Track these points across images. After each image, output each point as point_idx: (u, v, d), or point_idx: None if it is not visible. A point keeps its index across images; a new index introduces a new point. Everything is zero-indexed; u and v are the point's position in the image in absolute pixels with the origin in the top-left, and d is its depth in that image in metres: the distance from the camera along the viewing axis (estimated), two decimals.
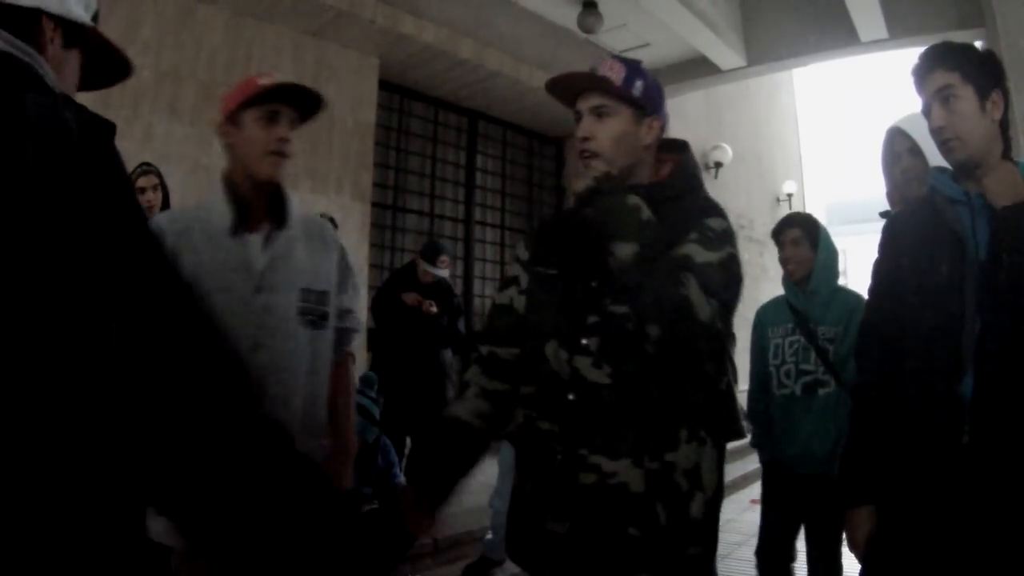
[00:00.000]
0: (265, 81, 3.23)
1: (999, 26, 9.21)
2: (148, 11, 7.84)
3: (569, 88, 2.82)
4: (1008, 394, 2.65)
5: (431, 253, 8.33)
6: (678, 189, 2.72)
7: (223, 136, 3.27)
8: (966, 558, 2.70)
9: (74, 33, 1.63)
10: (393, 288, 8.34)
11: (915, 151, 3.64)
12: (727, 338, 2.54)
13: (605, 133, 2.71)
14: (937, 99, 2.86)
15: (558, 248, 2.67)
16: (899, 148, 3.74)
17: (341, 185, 9.47)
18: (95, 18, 1.72)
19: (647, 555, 2.53)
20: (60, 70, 1.57)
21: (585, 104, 2.76)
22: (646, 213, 2.50)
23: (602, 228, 2.52)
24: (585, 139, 2.73)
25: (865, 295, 3.32)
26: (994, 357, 2.69)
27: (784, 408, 4.53)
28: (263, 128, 3.22)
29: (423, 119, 11.80)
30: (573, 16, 10.80)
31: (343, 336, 3.45)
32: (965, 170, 2.88)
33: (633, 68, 2.78)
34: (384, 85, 10.49)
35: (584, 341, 2.63)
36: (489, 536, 6.52)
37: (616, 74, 2.73)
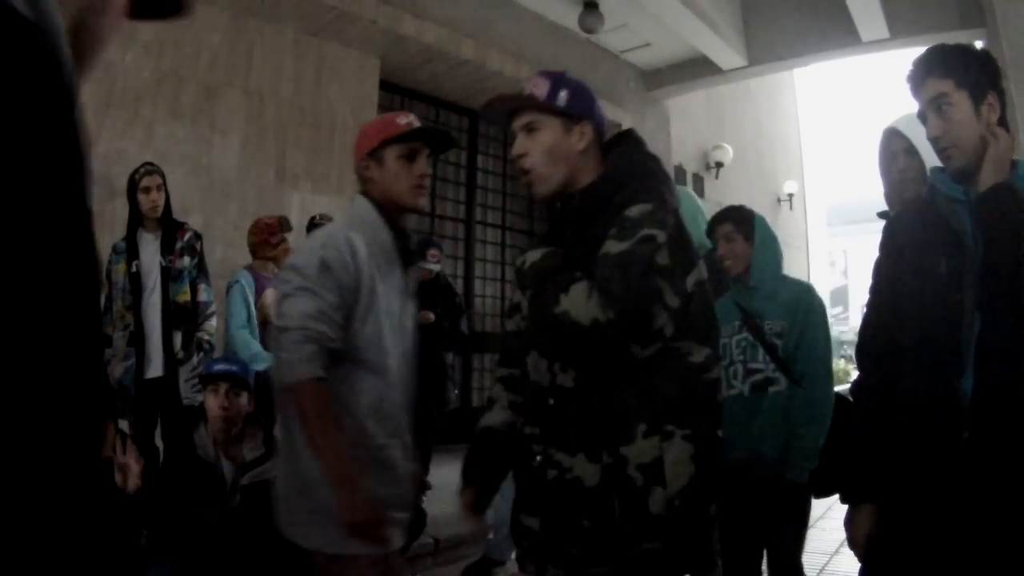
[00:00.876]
0: (403, 121, 3.48)
1: (1000, 25, 9.23)
2: None
3: (501, 110, 2.96)
4: (1009, 392, 2.66)
5: (419, 249, 8.31)
6: (608, 189, 2.79)
7: (363, 171, 3.51)
8: (966, 556, 2.70)
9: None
10: None
11: (911, 151, 3.64)
12: (648, 319, 2.56)
13: (536, 148, 2.84)
14: (932, 108, 2.87)
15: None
16: (895, 148, 3.73)
17: (342, 185, 9.46)
18: None
19: (601, 548, 2.61)
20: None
21: (518, 123, 2.89)
22: (534, 260, 2.75)
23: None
24: (519, 156, 2.87)
25: (816, 287, 3.34)
26: (994, 355, 2.70)
27: (731, 410, 4.10)
28: (404, 165, 3.48)
29: (424, 119, 11.64)
30: (574, 16, 10.83)
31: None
32: (964, 176, 2.89)
33: (557, 80, 2.89)
34: (385, 85, 10.49)
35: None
36: (491, 536, 6.53)
37: (540, 89, 2.85)
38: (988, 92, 2.85)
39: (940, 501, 2.77)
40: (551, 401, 2.76)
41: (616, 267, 2.54)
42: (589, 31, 11.00)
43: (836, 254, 55.91)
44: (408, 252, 3.58)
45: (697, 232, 4.37)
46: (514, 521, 2.93)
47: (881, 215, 3.85)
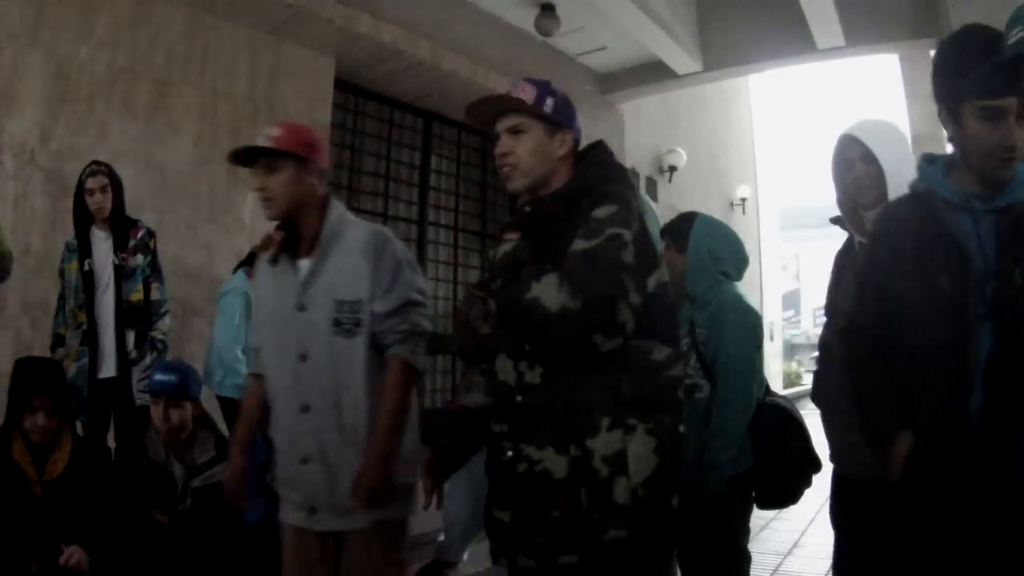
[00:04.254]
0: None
1: None
2: (104, 6, 7.74)
3: (486, 112, 3.13)
4: (1019, 410, 2.68)
5: None
6: (575, 192, 2.94)
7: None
8: (974, 570, 2.75)
9: None
10: None
11: (868, 158, 3.61)
12: (612, 311, 2.66)
13: (522, 148, 3.02)
14: (1016, 114, 2.71)
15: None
16: (851, 155, 3.68)
17: None
18: None
19: (569, 537, 2.74)
20: None
21: (502, 125, 3.07)
22: (506, 250, 2.89)
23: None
24: (504, 155, 3.06)
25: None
26: (1006, 374, 2.70)
27: None
28: None
29: (378, 119, 11.75)
30: (531, 19, 10.83)
31: (379, 340, 3.53)
32: (993, 183, 2.85)
33: (543, 88, 3.07)
34: (340, 84, 10.42)
35: (526, 347, 2.88)
36: (441, 538, 6.51)
37: (528, 95, 3.03)
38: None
39: (950, 517, 2.80)
40: (519, 399, 2.89)
41: (583, 260, 2.68)
42: (545, 34, 11.01)
43: (788, 258, 56.19)
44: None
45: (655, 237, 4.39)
46: (487, 515, 3.05)
47: (834, 220, 3.88)
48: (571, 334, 2.67)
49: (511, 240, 2.92)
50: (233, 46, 8.82)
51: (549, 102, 3.03)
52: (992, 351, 2.73)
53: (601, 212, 2.78)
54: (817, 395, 3.90)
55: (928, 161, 3.08)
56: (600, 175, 3.01)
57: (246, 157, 3.65)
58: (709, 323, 4.33)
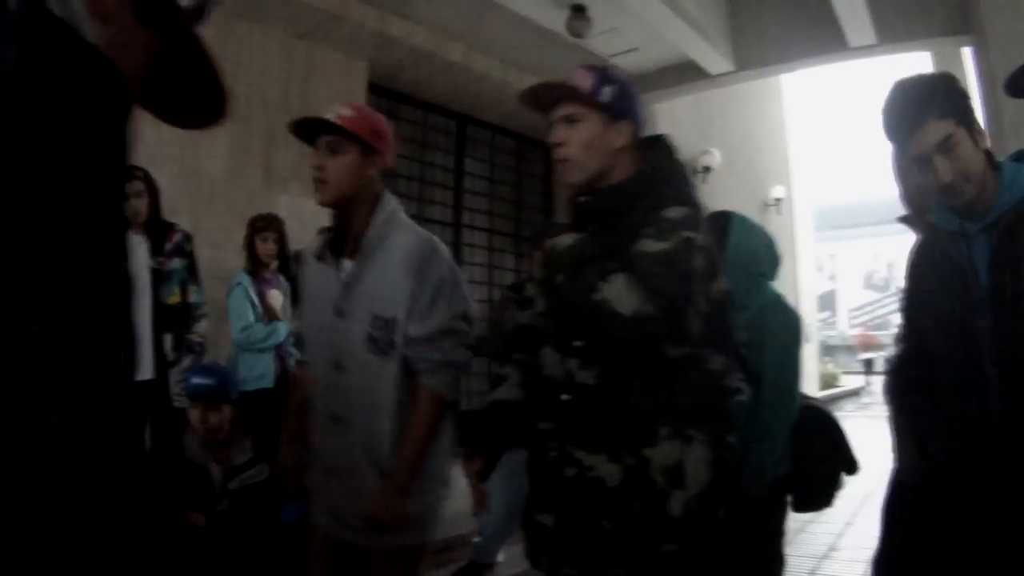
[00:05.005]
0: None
1: (988, 35, 9.25)
2: None
3: (543, 99, 3.01)
4: None
5: None
6: (641, 187, 2.88)
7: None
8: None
9: (154, 8, 1.42)
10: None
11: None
12: (684, 319, 2.61)
13: (576, 139, 2.90)
14: (940, 151, 2.86)
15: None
16: (906, 164, 3.68)
17: None
18: (199, 13, 1.53)
19: (620, 549, 2.66)
20: (119, 42, 1.35)
21: (557, 113, 2.95)
22: (571, 244, 2.78)
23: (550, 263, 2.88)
24: (558, 146, 2.94)
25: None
26: (1016, 380, 2.74)
27: None
28: None
29: (411, 122, 11.77)
30: (562, 20, 10.81)
31: (411, 365, 3.39)
32: (970, 206, 2.91)
33: (602, 75, 2.97)
34: (373, 88, 10.47)
35: (576, 343, 2.79)
36: (478, 539, 6.52)
37: (585, 82, 2.93)
38: (975, 121, 2.88)
39: (975, 522, 2.83)
40: (565, 396, 2.81)
41: (659, 264, 2.60)
42: (577, 35, 10.99)
43: (823, 258, 55.92)
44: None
45: None
46: (527, 518, 3.00)
47: (901, 219, 3.85)
48: (643, 340, 2.65)
49: (569, 234, 2.82)
50: (266, 51, 8.86)
51: (607, 91, 2.93)
52: (998, 359, 2.76)
53: (673, 213, 2.72)
54: (887, 392, 3.92)
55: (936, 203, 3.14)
56: (666, 173, 2.96)
57: (308, 132, 3.46)
58: (750, 325, 4.17)
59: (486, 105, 12.10)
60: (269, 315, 6.77)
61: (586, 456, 2.73)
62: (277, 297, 6.87)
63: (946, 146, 2.85)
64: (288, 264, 7.21)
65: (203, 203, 8.11)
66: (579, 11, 10.67)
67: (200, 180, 8.16)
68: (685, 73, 12.98)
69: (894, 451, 3.86)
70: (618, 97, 2.94)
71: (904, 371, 3.27)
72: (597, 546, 2.71)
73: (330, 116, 3.38)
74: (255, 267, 6.96)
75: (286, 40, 9.11)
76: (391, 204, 3.50)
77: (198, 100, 1.60)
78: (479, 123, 12.82)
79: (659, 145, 3.06)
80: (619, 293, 2.56)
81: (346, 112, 3.42)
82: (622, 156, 2.95)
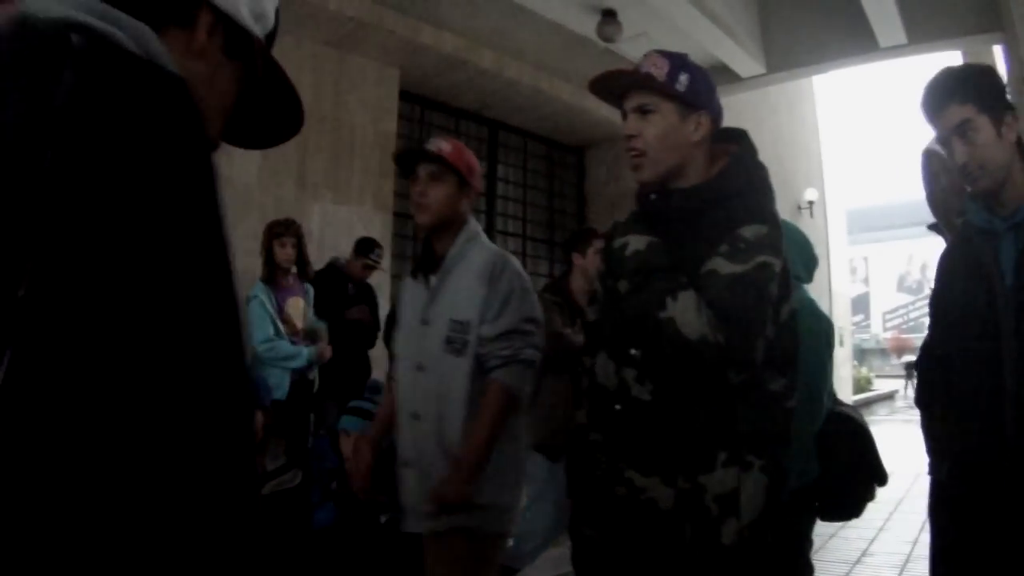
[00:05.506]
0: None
1: (1019, 31, 9.20)
2: None
3: (613, 88, 2.84)
4: None
5: (366, 247, 8.27)
6: (723, 191, 2.70)
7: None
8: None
9: (238, 40, 1.46)
10: (327, 301, 8.01)
11: (952, 170, 3.58)
12: (752, 348, 2.51)
13: (650, 131, 2.71)
14: (957, 134, 2.89)
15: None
16: (935, 169, 3.64)
17: (363, 195, 9.52)
18: (269, 40, 1.57)
19: (667, 572, 2.60)
20: (209, 79, 1.41)
21: (630, 103, 2.76)
22: (638, 249, 2.66)
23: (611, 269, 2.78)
24: (631, 137, 2.74)
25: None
26: None
27: None
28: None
29: (443, 129, 11.77)
30: (592, 25, 10.82)
31: (483, 362, 3.64)
32: (990, 196, 2.92)
33: (677, 62, 2.76)
34: (404, 95, 10.51)
35: (632, 352, 2.68)
36: (511, 543, 6.52)
37: (659, 70, 2.72)
38: (1005, 113, 2.88)
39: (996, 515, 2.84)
40: (617, 407, 2.70)
41: (730, 290, 2.48)
42: (608, 40, 10.99)
43: (857, 261, 55.71)
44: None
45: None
46: (573, 528, 2.93)
47: (931, 227, 3.84)
48: (708, 366, 2.52)
49: (642, 236, 2.69)
50: (297, 59, 8.89)
51: (683, 78, 2.72)
52: (1020, 360, 2.77)
53: (749, 233, 2.57)
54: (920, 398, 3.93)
55: (972, 198, 3.13)
56: (747, 181, 2.77)
57: (407, 163, 3.81)
58: None
59: (518, 111, 12.12)
60: (290, 328, 6.78)
61: (638, 477, 2.62)
62: (298, 304, 6.91)
63: (962, 130, 2.88)
64: (307, 269, 7.25)
65: (236, 211, 8.12)
66: (610, 16, 10.67)
67: (233, 188, 8.19)
68: (716, 76, 12.78)
69: (928, 452, 3.87)
70: (694, 86, 2.74)
71: (929, 373, 3.27)
72: (643, 568, 2.65)
73: (431, 148, 3.71)
74: (273, 274, 6.98)
75: (317, 48, 9.16)
76: (474, 228, 3.82)
77: (282, 124, 1.63)
78: (511, 129, 12.84)
79: (742, 145, 2.89)
80: (686, 314, 2.46)
81: (445, 146, 3.73)
82: (698, 152, 2.79)
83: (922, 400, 3.37)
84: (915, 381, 3.75)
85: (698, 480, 2.55)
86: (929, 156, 3.71)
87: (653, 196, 2.81)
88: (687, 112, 2.73)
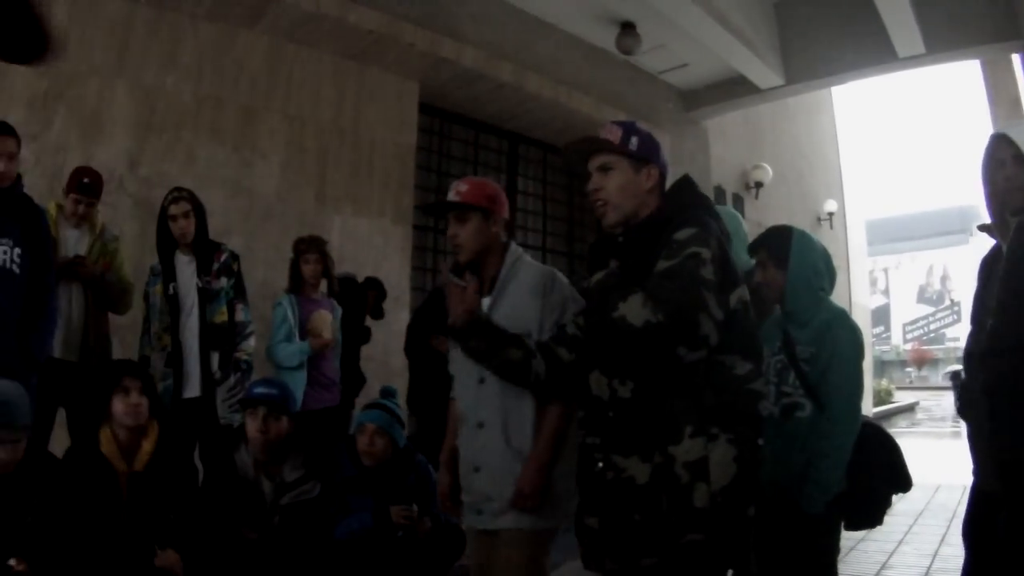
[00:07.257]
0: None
1: None
2: (188, 37, 7.97)
3: (580, 153, 3.40)
4: None
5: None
6: (659, 219, 3.19)
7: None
8: None
9: None
10: (424, 326, 7.88)
11: (1020, 159, 3.54)
12: (694, 323, 2.84)
13: (611, 184, 3.27)
14: None
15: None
16: (1003, 155, 3.61)
17: (383, 208, 9.55)
18: None
19: (650, 539, 2.94)
20: None
21: (593, 163, 3.33)
22: (599, 278, 3.14)
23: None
24: (595, 191, 3.31)
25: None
26: None
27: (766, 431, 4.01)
28: None
29: (463, 142, 11.87)
30: (612, 38, 10.84)
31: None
32: None
33: (628, 128, 3.34)
34: (424, 108, 10.52)
35: (612, 362, 3.12)
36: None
37: (614, 135, 3.29)
38: None
39: None
40: (611, 414, 3.12)
41: (664, 277, 2.90)
42: (627, 52, 11.01)
43: (877, 273, 55.61)
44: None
45: (740, 251, 4.40)
46: (578, 522, 3.28)
47: (982, 228, 3.82)
48: (655, 346, 2.88)
49: (601, 272, 3.18)
50: (317, 72, 8.95)
51: (634, 140, 3.27)
52: None
53: (681, 234, 2.98)
54: (963, 409, 3.90)
55: None
56: (681, 203, 3.25)
57: (437, 210, 4.10)
58: (814, 341, 4.19)
59: (537, 124, 12.14)
60: (314, 336, 6.79)
61: (621, 460, 3.04)
62: (325, 317, 6.90)
63: None
64: (332, 284, 7.26)
65: (256, 223, 8.23)
66: (628, 28, 10.69)
67: (253, 200, 8.27)
68: (735, 88, 12.98)
69: (973, 452, 3.87)
70: (644, 145, 3.30)
71: (998, 363, 3.25)
72: (630, 538, 2.98)
73: (451, 195, 3.95)
74: (297, 287, 6.99)
75: (337, 62, 9.21)
76: (517, 251, 4.06)
77: (15, 35, 1.58)
78: (531, 141, 12.85)
79: (680, 183, 3.40)
80: (633, 309, 2.87)
81: (462, 187, 3.97)
82: (651, 197, 3.30)
83: (989, 390, 3.35)
84: (957, 392, 3.75)
85: (668, 452, 2.93)
86: (998, 140, 3.66)
87: (619, 238, 3.32)
88: (639, 166, 3.29)
